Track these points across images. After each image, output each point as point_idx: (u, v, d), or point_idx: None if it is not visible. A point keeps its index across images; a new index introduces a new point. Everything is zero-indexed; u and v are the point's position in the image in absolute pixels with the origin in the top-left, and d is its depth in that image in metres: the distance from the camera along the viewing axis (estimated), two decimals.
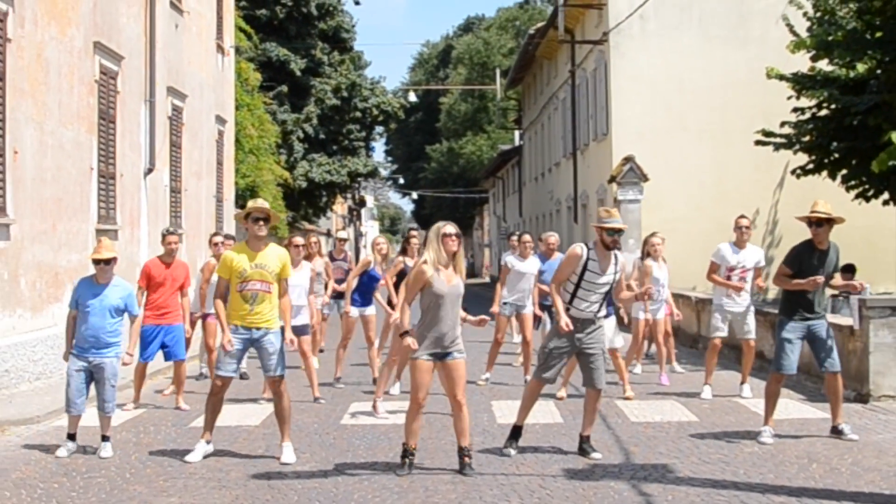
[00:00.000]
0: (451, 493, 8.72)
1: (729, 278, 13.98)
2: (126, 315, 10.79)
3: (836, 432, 11.00)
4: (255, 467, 9.82)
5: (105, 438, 10.57)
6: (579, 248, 10.33)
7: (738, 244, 14.14)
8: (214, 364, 11.91)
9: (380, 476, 9.37)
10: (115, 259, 10.75)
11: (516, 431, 10.50)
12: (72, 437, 10.61)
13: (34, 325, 14.99)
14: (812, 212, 10.97)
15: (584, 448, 10.29)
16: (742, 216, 14.46)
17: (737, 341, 14.77)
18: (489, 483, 9.07)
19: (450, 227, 9.53)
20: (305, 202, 44.37)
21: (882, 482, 9.00)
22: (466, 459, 9.48)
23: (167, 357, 13.60)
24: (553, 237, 16.39)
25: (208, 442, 10.28)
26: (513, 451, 10.29)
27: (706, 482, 9.03)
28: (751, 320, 14.15)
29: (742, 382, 14.14)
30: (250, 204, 10.45)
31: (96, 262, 10.60)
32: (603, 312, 10.50)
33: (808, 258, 10.97)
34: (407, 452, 9.57)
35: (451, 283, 9.43)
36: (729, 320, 14.21)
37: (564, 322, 10.11)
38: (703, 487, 8.82)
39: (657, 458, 10.08)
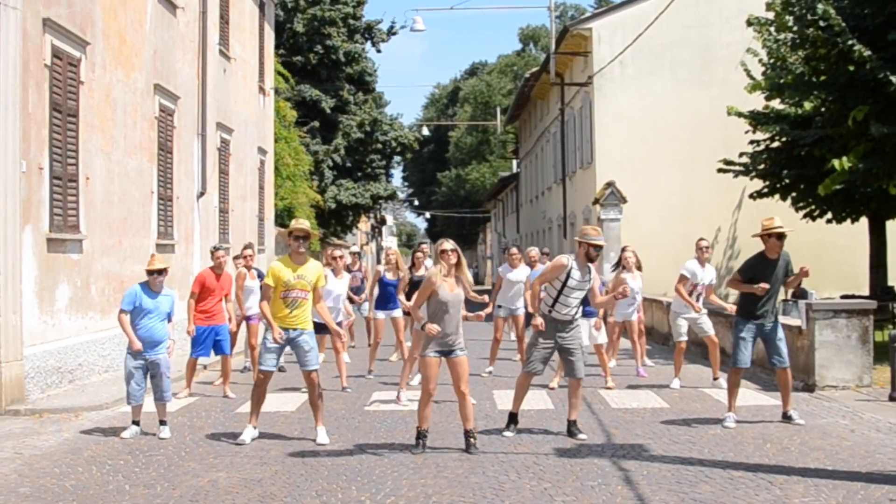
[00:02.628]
0: (458, 469, 8.73)
1: (691, 292, 14.00)
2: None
3: (786, 418, 10.99)
4: (291, 447, 9.85)
5: (163, 422, 10.61)
6: (566, 259, 10.39)
7: (701, 262, 14.12)
8: (257, 360, 12.04)
9: (398, 454, 9.39)
10: (167, 270, 10.84)
11: (512, 417, 10.54)
12: (136, 422, 10.65)
13: (103, 325, 15.03)
14: (773, 227, 10.95)
15: (571, 430, 10.31)
16: (702, 238, 14.45)
17: (702, 340, 14.78)
18: (491, 460, 9.09)
19: (446, 244, 9.68)
20: (334, 221, 44.36)
21: (826, 459, 9.00)
22: (471, 440, 9.51)
23: (217, 352, 13.68)
24: (533, 251, 16.75)
25: (255, 427, 10.30)
26: (510, 433, 10.32)
27: (676, 459, 9.03)
28: (705, 320, 14.19)
29: (714, 378, 14.10)
30: (293, 224, 10.45)
31: (151, 272, 10.65)
32: (580, 314, 10.56)
33: (761, 268, 10.97)
34: (420, 434, 9.59)
35: (452, 291, 9.53)
36: (688, 325, 14.27)
37: (539, 322, 10.24)
38: (673, 464, 8.83)
39: (634, 439, 10.08)
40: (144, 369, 10.60)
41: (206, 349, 13.49)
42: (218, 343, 13.55)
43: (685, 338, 14.32)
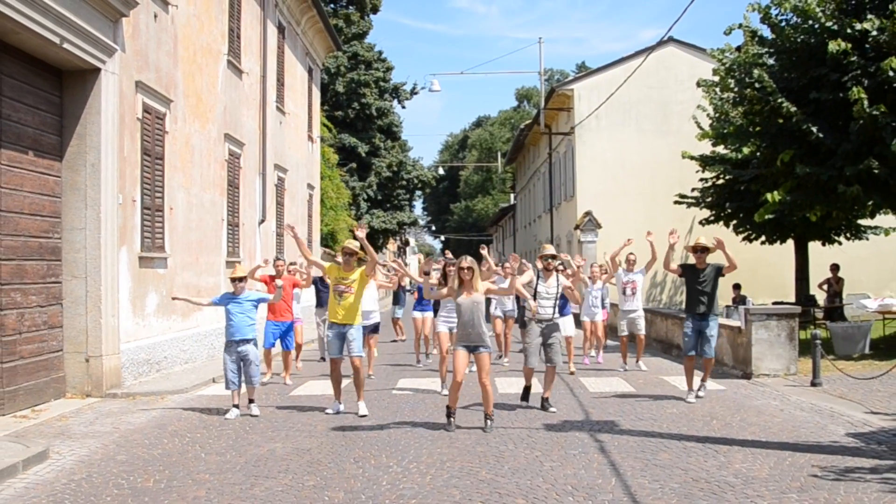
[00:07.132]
0: (467, 440, 8.73)
1: (624, 290, 15.02)
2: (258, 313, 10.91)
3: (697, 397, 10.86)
4: (333, 422, 9.86)
5: (251, 401, 10.58)
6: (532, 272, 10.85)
7: (629, 269, 15.17)
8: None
9: (419, 429, 9.38)
10: (245, 278, 10.82)
11: (525, 391, 10.88)
12: (236, 406, 10.50)
13: (183, 326, 15.09)
14: (697, 243, 11.52)
15: (543, 405, 10.51)
16: (630, 253, 15.27)
17: (663, 336, 14.79)
18: (493, 433, 9.08)
19: (463, 262, 9.46)
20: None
21: (761, 433, 8.98)
22: (488, 422, 9.37)
23: (284, 347, 13.84)
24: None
25: (340, 402, 10.54)
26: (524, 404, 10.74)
27: (641, 433, 9.02)
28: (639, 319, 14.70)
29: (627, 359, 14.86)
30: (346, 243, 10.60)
31: (232, 280, 10.68)
32: (557, 315, 10.79)
33: (691, 274, 11.45)
34: (450, 412, 9.43)
35: (469, 296, 9.40)
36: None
37: (533, 305, 10.58)
38: (638, 437, 8.82)
39: (607, 417, 10.07)
40: (238, 360, 10.55)
41: (268, 341, 13.56)
42: (282, 339, 13.73)
43: (626, 332, 14.97)
